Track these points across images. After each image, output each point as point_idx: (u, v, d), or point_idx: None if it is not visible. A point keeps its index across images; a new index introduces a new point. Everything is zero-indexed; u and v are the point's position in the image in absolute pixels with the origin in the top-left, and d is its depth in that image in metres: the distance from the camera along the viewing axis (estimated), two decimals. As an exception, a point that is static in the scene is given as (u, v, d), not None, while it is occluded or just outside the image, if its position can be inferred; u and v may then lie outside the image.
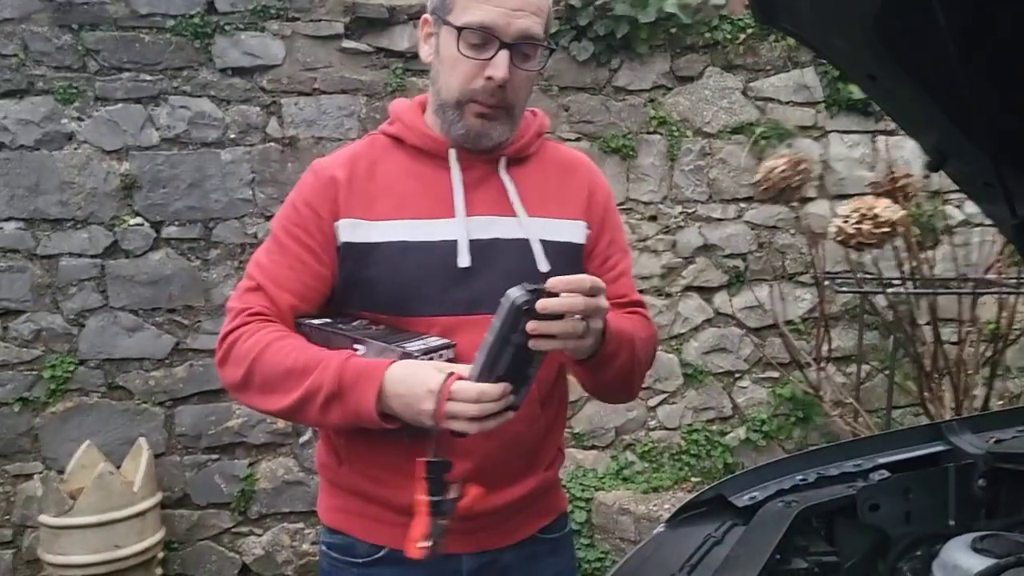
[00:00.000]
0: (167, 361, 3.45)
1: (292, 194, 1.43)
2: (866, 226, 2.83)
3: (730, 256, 3.82)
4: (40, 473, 3.38)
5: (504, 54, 1.30)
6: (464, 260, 1.35)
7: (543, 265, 1.38)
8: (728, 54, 3.74)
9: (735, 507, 1.45)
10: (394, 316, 1.37)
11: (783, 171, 3.02)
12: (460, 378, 1.16)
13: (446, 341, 1.31)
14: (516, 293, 1.11)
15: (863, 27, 1.31)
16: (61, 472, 3.30)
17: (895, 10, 1.23)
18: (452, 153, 1.40)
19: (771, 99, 3.81)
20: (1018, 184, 1.28)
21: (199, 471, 3.49)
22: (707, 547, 1.33)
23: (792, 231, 3.86)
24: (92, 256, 3.37)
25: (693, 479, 3.69)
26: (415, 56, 3.46)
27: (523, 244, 1.39)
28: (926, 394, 3.17)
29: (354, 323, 1.38)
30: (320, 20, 3.40)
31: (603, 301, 1.20)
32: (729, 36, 3.70)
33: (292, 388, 1.26)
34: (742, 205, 3.83)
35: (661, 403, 3.80)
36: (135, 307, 3.40)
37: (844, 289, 3.41)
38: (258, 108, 3.43)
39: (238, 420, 3.47)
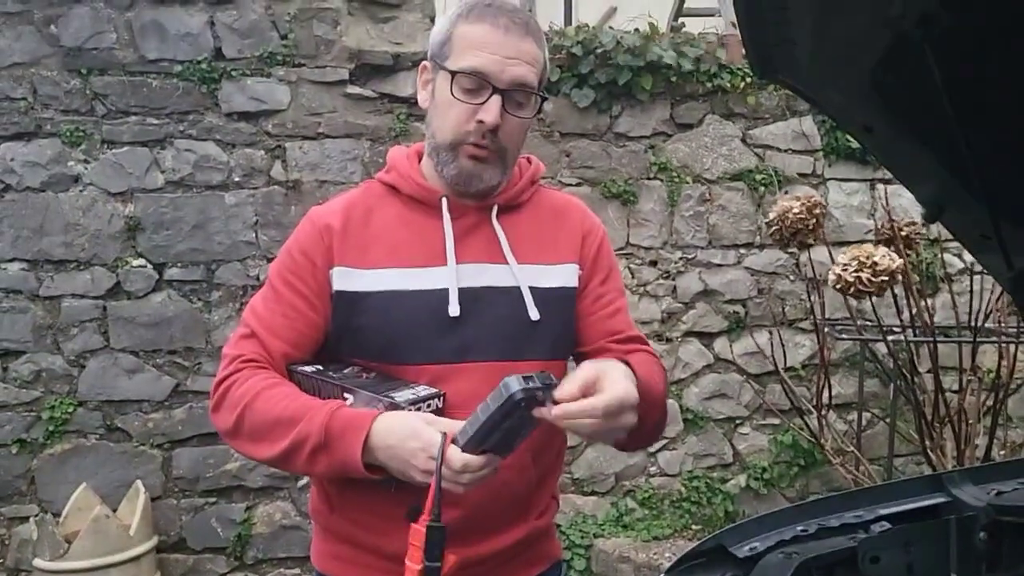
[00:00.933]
0: (166, 403, 3.44)
1: (289, 242, 1.45)
2: (865, 274, 2.84)
3: (730, 302, 3.83)
4: (36, 516, 3.35)
5: (496, 99, 1.33)
6: (454, 309, 1.35)
7: (533, 313, 1.39)
8: (728, 102, 3.79)
9: (735, 558, 1.42)
10: (385, 364, 1.38)
11: (798, 213, 3.02)
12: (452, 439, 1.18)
13: (435, 391, 1.32)
14: (515, 387, 1.11)
15: (860, 80, 1.34)
16: (57, 515, 3.27)
17: (891, 65, 1.25)
18: (444, 202, 1.42)
19: (770, 146, 3.85)
20: (1014, 237, 1.29)
21: (196, 515, 3.46)
22: (708, 600, 1.33)
23: (792, 277, 3.87)
24: (94, 297, 3.38)
25: (694, 527, 3.65)
26: (418, 101, 3.50)
27: (514, 292, 1.40)
28: (927, 443, 3.15)
29: (345, 371, 1.38)
30: (326, 67, 3.45)
31: (629, 418, 1.20)
32: (729, 85, 3.74)
33: (280, 437, 1.28)
34: (742, 251, 3.85)
35: (661, 449, 3.78)
36: (136, 348, 3.41)
37: (844, 336, 3.40)
38: (263, 152, 3.46)
39: (236, 464, 3.45)
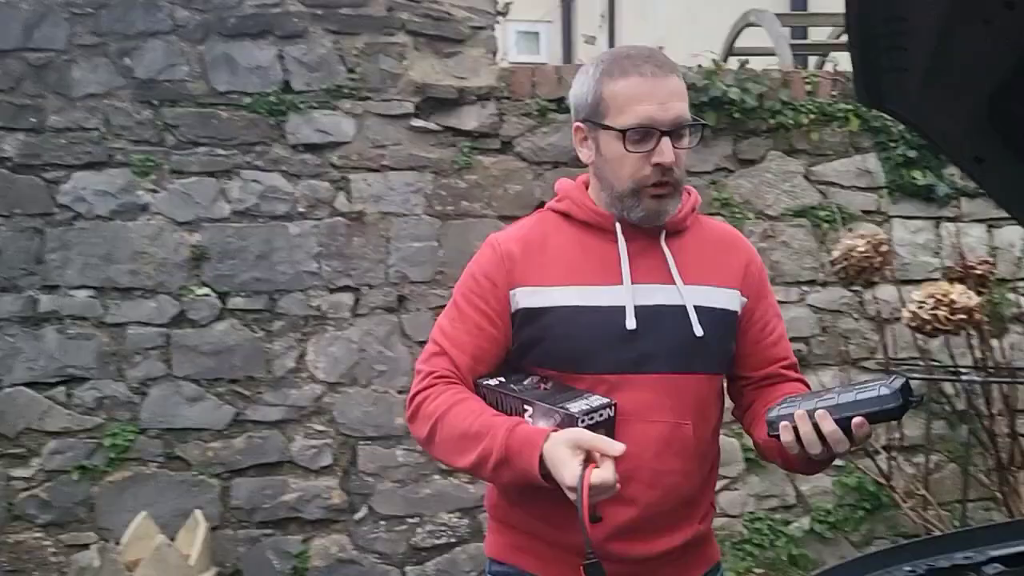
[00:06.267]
0: (225, 432, 3.44)
1: (471, 266, 1.60)
2: (941, 312, 2.79)
3: (793, 340, 3.70)
4: (95, 543, 3.34)
5: (666, 141, 1.44)
6: (631, 323, 1.47)
7: (698, 329, 1.50)
8: (790, 139, 3.76)
9: (843, 601, 1.40)
10: (565, 374, 1.49)
11: (864, 251, 2.99)
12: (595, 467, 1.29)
13: (606, 401, 1.43)
14: None
15: (975, 109, 1.31)
16: (115, 543, 3.27)
17: (1010, 92, 1.22)
18: (618, 227, 1.54)
19: (833, 183, 3.81)
20: None
21: (252, 546, 3.44)
22: (818, 647, 1.29)
23: (856, 315, 3.80)
24: (159, 325, 3.41)
25: (756, 570, 3.56)
26: (482, 135, 3.54)
27: (681, 310, 1.51)
28: (1005, 488, 3.06)
29: (525, 382, 1.51)
30: (391, 100, 3.48)
31: None
32: (792, 121, 3.72)
33: (468, 450, 1.42)
34: (804, 288, 3.79)
35: (722, 489, 3.69)
36: (198, 377, 3.42)
37: (915, 376, 3.32)
38: (327, 183, 3.49)
39: (293, 495, 3.44)
